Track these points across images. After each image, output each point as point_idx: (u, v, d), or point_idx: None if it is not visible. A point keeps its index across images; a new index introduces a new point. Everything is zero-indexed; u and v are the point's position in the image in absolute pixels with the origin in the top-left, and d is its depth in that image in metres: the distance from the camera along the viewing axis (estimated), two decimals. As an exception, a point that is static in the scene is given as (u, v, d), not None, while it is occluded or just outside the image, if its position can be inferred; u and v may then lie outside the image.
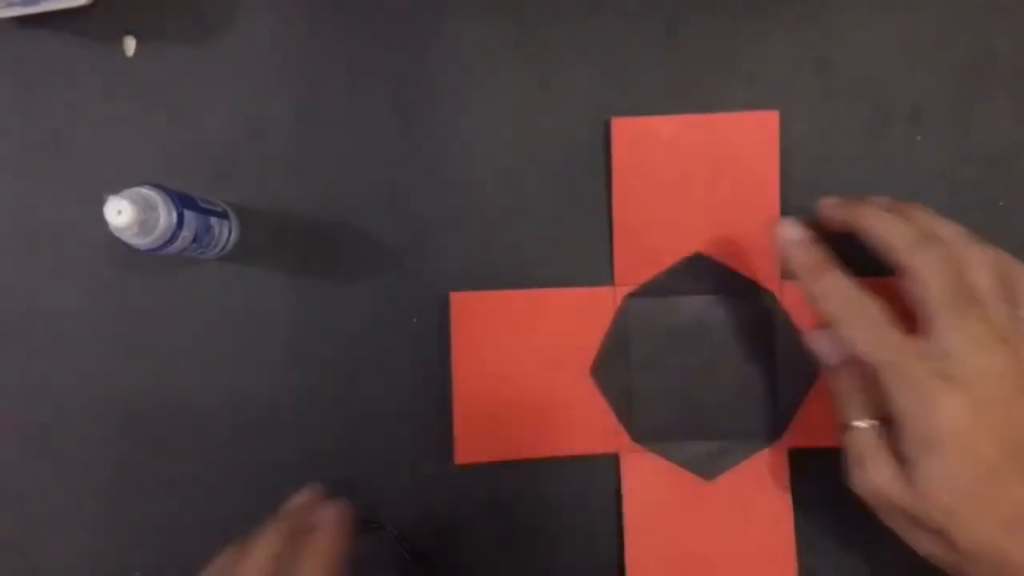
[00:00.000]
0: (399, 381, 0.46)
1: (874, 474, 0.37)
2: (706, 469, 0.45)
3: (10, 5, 0.44)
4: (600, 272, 0.46)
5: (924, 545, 0.37)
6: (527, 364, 0.46)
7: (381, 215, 0.46)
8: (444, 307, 0.46)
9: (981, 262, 0.37)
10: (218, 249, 0.45)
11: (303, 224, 0.46)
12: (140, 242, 0.39)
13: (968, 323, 0.35)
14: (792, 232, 0.42)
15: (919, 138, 0.46)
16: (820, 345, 0.41)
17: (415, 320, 0.46)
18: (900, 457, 0.36)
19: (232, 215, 0.46)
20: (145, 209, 0.38)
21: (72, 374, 0.47)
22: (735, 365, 0.45)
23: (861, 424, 0.38)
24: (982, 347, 0.35)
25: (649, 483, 0.45)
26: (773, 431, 0.45)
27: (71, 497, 0.47)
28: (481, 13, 0.46)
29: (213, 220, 0.43)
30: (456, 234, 0.46)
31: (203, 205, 0.43)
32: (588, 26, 0.46)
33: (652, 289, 0.46)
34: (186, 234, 0.40)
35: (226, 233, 0.45)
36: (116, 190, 0.46)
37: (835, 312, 0.39)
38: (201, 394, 0.46)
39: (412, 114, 0.46)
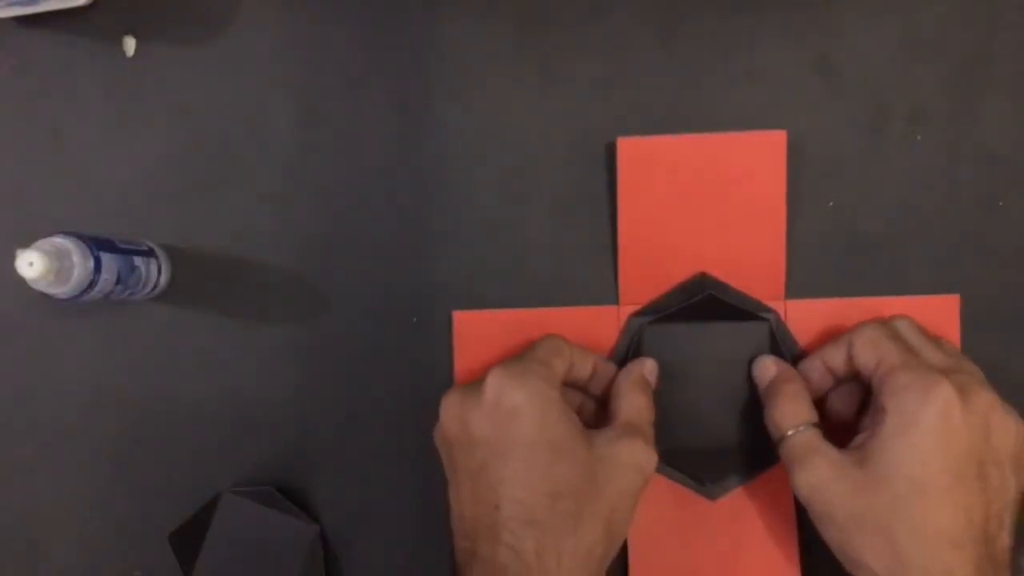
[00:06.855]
0: (400, 381, 0.46)
1: (817, 470, 0.38)
2: (710, 488, 0.44)
3: (10, 5, 0.44)
4: (604, 290, 0.46)
5: (858, 552, 0.37)
6: None
7: (381, 215, 0.46)
8: (443, 308, 0.46)
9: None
10: (148, 289, 0.44)
11: (302, 224, 0.46)
12: (59, 291, 0.38)
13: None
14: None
15: (919, 138, 0.46)
16: (762, 368, 0.43)
17: (414, 320, 0.46)
18: (851, 457, 0.38)
19: (160, 253, 0.45)
20: (58, 258, 0.37)
21: (73, 373, 0.47)
22: (739, 384, 0.45)
23: (801, 428, 0.40)
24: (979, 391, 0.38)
25: (653, 503, 0.44)
26: (777, 449, 0.45)
27: (71, 497, 0.47)
28: (481, 14, 0.46)
29: (137, 260, 0.42)
30: (455, 240, 0.46)
31: (123, 246, 0.42)
32: (589, 26, 0.46)
33: (656, 308, 0.45)
34: (106, 277, 0.39)
35: (155, 272, 0.44)
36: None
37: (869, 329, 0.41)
38: (201, 395, 0.46)
39: (412, 114, 0.46)
